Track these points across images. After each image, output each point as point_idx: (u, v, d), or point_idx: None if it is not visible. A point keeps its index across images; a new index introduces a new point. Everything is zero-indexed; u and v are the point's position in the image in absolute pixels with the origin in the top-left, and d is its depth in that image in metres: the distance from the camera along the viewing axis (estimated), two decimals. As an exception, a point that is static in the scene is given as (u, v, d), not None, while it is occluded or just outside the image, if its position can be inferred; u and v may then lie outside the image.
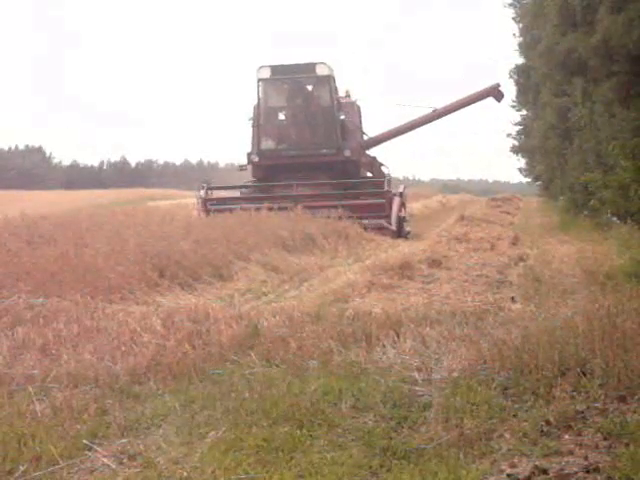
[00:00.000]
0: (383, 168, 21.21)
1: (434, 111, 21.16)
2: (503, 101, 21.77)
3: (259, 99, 19.68)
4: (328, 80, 19.69)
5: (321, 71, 19.51)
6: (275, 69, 19.44)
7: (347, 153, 19.59)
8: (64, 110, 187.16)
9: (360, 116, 21.29)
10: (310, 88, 20.44)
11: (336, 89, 20.17)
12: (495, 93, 21.25)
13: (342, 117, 20.16)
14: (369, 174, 21.32)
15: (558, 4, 14.24)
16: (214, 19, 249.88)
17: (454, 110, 21.46)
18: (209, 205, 18.37)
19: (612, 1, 11.85)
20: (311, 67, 19.60)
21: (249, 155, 19.95)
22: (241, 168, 20.41)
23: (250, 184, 20.33)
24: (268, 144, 19.97)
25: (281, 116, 20.76)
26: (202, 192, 18.69)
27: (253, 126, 20.03)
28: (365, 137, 21.33)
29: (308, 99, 20.29)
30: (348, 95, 21.03)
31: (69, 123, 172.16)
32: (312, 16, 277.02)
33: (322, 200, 18.08)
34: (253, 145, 19.96)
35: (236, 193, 20.31)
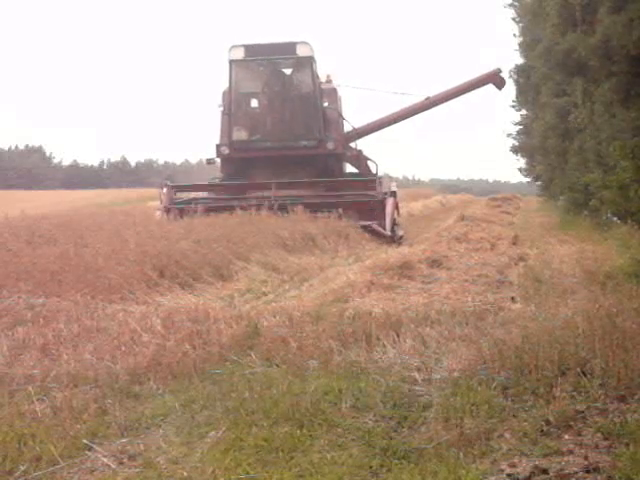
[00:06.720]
0: (370, 163, 18.96)
1: (427, 99, 19.01)
2: (504, 91, 19.62)
3: (231, 83, 17.42)
4: (310, 62, 17.33)
5: (302, 52, 17.10)
6: (249, 49, 17.11)
7: (330, 146, 17.42)
8: (64, 110, 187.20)
9: (341, 104, 19.00)
10: (289, 71, 18.13)
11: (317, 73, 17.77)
12: (496, 79, 19.21)
13: (325, 104, 17.97)
14: (354, 169, 19.17)
15: (558, 4, 14.27)
16: (214, 17, 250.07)
17: (450, 98, 19.25)
18: (172, 205, 16.20)
19: (612, 1, 11.86)
20: (291, 47, 17.16)
21: (218, 147, 17.59)
22: (209, 162, 18.16)
23: (220, 182, 18.11)
24: (240, 135, 17.60)
25: (255, 103, 18.41)
26: (165, 190, 16.55)
27: (223, 114, 17.73)
28: (349, 128, 18.93)
29: (287, 84, 17.93)
30: (330, 80, 18.60)
31: (69, 123, 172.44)
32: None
33: (306, 200, 15.98)
34: (223, 136, 17.68)
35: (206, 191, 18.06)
